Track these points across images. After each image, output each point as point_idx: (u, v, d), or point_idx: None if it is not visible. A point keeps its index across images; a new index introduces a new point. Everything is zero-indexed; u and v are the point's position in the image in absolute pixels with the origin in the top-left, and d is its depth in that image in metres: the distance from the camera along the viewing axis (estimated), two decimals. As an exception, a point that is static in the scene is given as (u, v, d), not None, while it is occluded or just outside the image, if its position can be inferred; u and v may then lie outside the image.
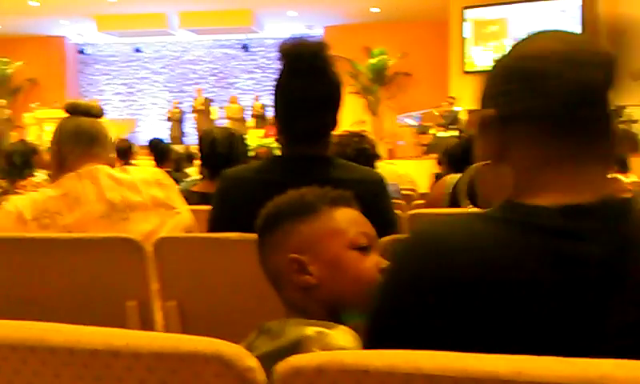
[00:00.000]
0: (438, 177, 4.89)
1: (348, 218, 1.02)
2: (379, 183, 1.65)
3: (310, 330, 0.85)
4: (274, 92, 1.63)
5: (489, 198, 0.78)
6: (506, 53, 0.81)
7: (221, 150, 2.93)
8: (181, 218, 1.79)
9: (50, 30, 14.93)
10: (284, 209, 1.03)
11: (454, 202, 2.66)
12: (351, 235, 1.00)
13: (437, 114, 11.30)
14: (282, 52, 1.60)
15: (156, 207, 1.74)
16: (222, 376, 0.49)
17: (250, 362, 0.50)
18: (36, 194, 1.76)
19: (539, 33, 0.81)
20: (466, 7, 12.11)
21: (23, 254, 1.55)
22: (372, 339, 0.73)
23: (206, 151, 2.99)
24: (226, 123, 12.64)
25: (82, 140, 1.79)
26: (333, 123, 1.63)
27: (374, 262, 0.99)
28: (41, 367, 0.55)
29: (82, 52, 16.03)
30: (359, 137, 3.38)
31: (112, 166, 1.81)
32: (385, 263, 0.99)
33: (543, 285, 0.64)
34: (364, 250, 1.00)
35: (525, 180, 0.75)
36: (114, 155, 2.11)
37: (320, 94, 1.58)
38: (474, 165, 0.83)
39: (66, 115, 1.86)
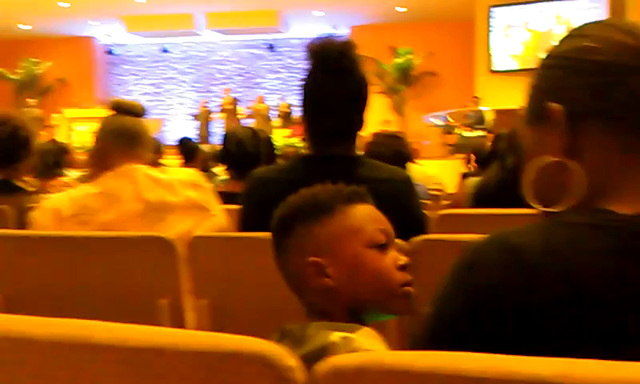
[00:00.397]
0: (464, 176, 4.87)
1: (364, 216, 0.98)
2: (406, 182, 1.64)
3: (335, 336, 0.84)
4: (300, 91, 1.63)
5: (542, 197, 0.73)
6: (563, 44, 0.76)
7: (249, 149, 2.94)
8: (216, 221, 1.79)
9: (79, 30, 15.15)
10: (298, 210, 0.99)
11: (478, 202, 2.64)
12: (369, 233, 0.96)
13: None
14: (309, 51, 1.60)
15: (192, 209, 1.74)
16: (264, 375, 0.50)
17: (291, 361, 0.50)
18: (75, 190, 1.77)
19: (599, 23, 0.76)
20: (493, 6, 12.00)
21: (59, 251, 1.57)
22: (431, 340, 0.69)
23: (232, 151, 3.00)
24: (251, 123, 12.70)
25: (123, 138, 1.79)
26: (359, 122, 1.63)
27: (392, 259, 0.96)
28: (84, 364, 0.56)
29: (110, 52, 16.22)
30: (396, 138, 3.37)
31: (151, 165, 1.81)
32: (403, 260, 0.97)
33: None
34: (382, 247, 0.97)
35: (599, 182, 0.70)
36: (153, 155, 2.11)
37: (346, 93, 1.58)
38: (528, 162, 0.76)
39: (108, 114, 1.86)
